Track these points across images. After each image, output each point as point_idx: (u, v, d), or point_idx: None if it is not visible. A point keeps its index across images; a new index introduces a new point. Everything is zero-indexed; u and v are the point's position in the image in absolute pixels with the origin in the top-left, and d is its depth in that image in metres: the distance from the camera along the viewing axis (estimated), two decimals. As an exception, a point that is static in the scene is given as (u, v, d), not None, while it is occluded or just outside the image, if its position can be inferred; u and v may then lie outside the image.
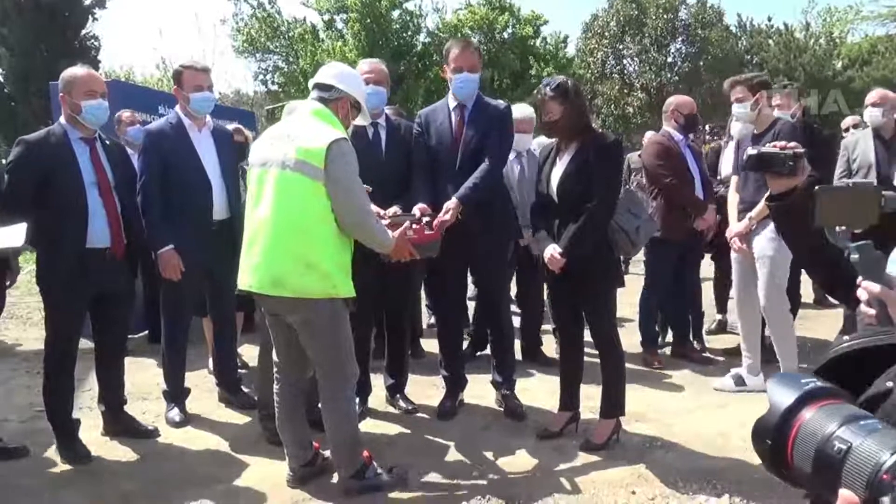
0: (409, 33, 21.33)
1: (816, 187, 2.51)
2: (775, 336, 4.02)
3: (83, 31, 16.71)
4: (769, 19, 27.02)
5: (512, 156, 4.07)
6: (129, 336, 4.84)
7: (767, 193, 2.06)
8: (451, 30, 21.83)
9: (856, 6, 22.50)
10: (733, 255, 4.11)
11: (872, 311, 1.62)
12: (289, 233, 2.62)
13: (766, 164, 2.06)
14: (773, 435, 0.91)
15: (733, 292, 4.26)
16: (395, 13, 20.96)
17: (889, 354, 1.73)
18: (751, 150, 2.08)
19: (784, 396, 0.91)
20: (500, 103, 3.62)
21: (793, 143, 2.05)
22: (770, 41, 25.05)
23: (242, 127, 4.93)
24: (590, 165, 3.15)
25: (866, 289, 1.62)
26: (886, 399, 1.67)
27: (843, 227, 1.74)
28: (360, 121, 3.10)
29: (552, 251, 3.19)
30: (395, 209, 3.33)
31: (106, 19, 31.17)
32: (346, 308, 2.77)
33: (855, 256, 1.61)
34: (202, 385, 4.33)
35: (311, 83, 2.89)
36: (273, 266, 2.64)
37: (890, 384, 1.65)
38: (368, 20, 19.88)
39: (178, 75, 3.78)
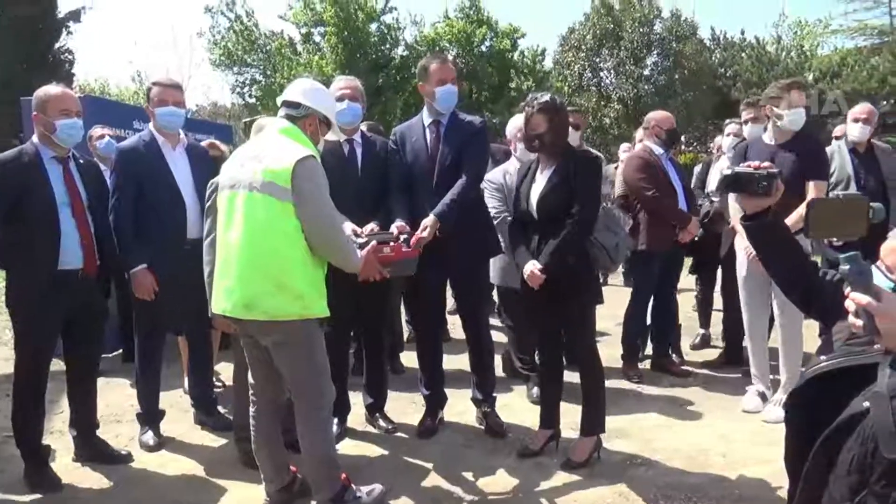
0: (387, 46, 21.36)
1: (809, 199, 2.52)
2: (788, 350, 3.94)
3: (57, 45, 16.51)
4: (742, 33, 27.53)
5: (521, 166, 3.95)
6: (103, 355, 4.76)
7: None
8: (429, 43, 21.92)
9: (825, 20, 23.07)
10: (741, 274, 4.07)
11: (860, 322, 1.63)
12: (260, 255, 2.58)
13: (742, 184, 2.07)
14: None
15: (743, 310, 4.17)
16: (373, 26, 20.99)
17: (864, 373, 1.74)
18: (726, 171, 2.10)
19: None
20: (476, 119, 3.62)
21: (766, 164, 2.06)
22: (743, 54, 25.46)
23: (218, 142, 4.87)
24: (570, 182, 3.16)
25: (854, 300, 1.63)
26: (864, 418, 1.68)
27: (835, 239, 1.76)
28: (331, 136, 3.08)
29: (532, 267, 3.19)
30: (371, 227, 3.31)
31: (81, 31, 30.85)
32: (320, 328, 2.74)
33: (844, 268, 1.61)
34: (177, 405, 4.25)
35: (279, 100, 2.86)
36: (245, 289, 2.60)
37: (867, 404, 1.66)
38: (346, 33, 19.89)
39: (147, 91, 3.78)
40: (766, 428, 3.61)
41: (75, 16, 16.70)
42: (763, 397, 4.06)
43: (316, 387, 2.74)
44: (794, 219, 3.82)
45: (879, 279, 1.67)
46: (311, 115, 2.78)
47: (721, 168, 4.84)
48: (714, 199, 4.75)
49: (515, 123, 4.19)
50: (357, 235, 3.22)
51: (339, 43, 19.94)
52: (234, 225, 2.63)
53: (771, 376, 4.22)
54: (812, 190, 3.78)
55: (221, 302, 2.70)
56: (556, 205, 3.17)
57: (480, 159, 3.58)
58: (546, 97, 3.22)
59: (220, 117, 26.48)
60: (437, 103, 3.53)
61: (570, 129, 3.89)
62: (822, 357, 2.00)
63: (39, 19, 15.45)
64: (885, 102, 17.12)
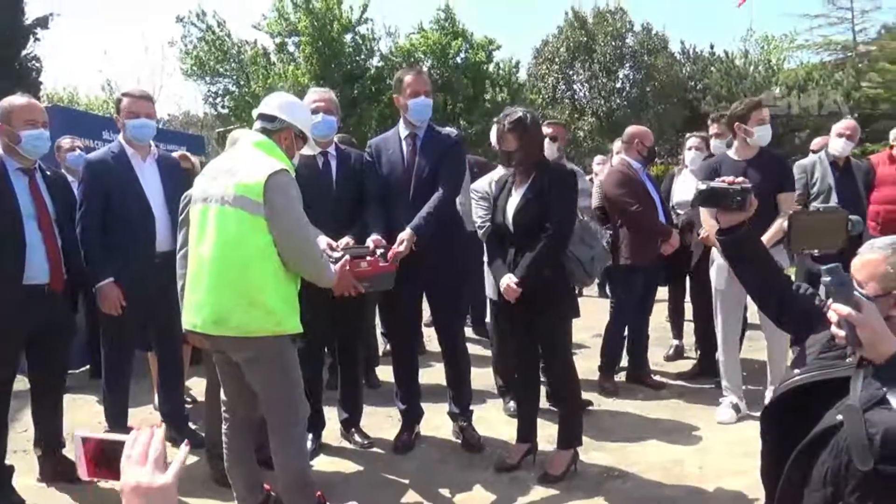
0: (362, 57, 21.31)
1: (790, 212, 2.55)
2: (775, 359, 4.05)
3: (24, 52, 16.17)
4: (711, 47, 28.01)
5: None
6: (70, 371, 4.64)
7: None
8: (405, 54, 21.94)
9: (791, 35, 23.66)
10: (717, 286, 4.11)
11: (842, 333, 1.65)
12: (231, 270, 2.53)
13: (716, 199, 2.10)
14: None
15: (717, 319, 4.21)
16: (348, 37, 20.94)
17: (836, 387, 1.76)
18: (700, 186, 2.12)
19: None
20: (452, 132, 3.62)
21: (740, 179, 2.09)
22: (713, 68, 25.96)
23: (189, 154, 4.80)
24: (545, 195, 3.17)
25: (836, 311, 1.65)
26: (837, 432, 1.69)
27: (815, 251, 1.80)
28: (307, 150, 3.05)
29: (508, 281, 3.18)
30: (347, 241, 3.28)
31: (49, 39, 30.32)
32: (293, 344, 2.69)
33: (826, 279, 1.64)
34: (148, 422, 4.15)
35: (254, 113, 2.83)
36: (216, 304, 2.55)
37: (840, 417, 1.68)
38: (320, 43, 19.81)
39: (117, 103, 3.70)
40: (742, 439, 3.63)
41: (43, 22, 16.35)
42: (737, 409, 4.11)
43: (289, 403, 2.68)
44: (771, 232, 3.89)
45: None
46: (287, 129, 2.74)
47: (685, 181, 4.91)
48: (679, 211, 4.80)
49: None
50: (332, 249, 3.19)
51: (314, 53, 19.84)
52: (205, 239, 2.59)
53: (743, 387, 4.28)
54: (782, 202, 3.89)
55: (192, 317, 2.64)
56: (531, 218, 3.18)
57: (457, 173, 3.57)
58: (517, 114, 3.22)
59: (193, 127, 26.20)
60: (411, 115, 3.52)
61: (548, 140, 3.91)
62: (796, 371, 2.03)
63: (6, 26, 15.11)
64: (848, 116, 17.59)
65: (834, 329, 1.66)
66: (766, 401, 4.01)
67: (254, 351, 2.58)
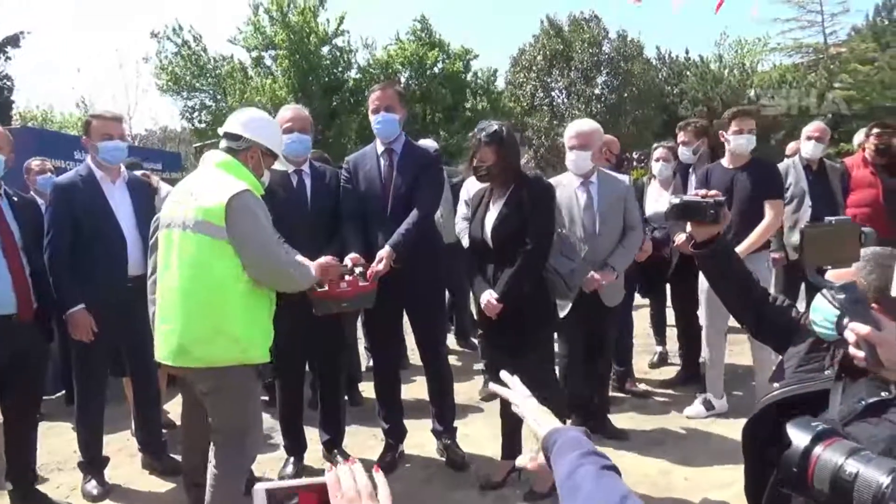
0: (340, 69, 21.32)
1: (803, 226, 2.48)
2: (761, 364, 4.09)
3: (-5, 72, 16.00)
4: (686, 52, 28.39)
5: (576, 182, 3.71)
6: (45, 397, 4.53)
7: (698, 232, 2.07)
8: (382, 65, 21.97)
9: (764, 38, 24.01)
10: (703, 287, 4.14)
11: (861, 354, 1.57)
12: (194, 298, 2.47)
13: (689, 213, 2.07)
14: (797, 464, 1.35)
15: (703, 322, 4.26)
16: (325, 49, 20.93)
17: (817, 400, 1.74)
18: (673, 200, 2.09)
19: (801, 437, 1.37)
20: (430, 147, 3.59)
21: (713, 192, 2.07)
22: (688, 72, 26.27)
23: (151, 174, 4.68)
24: (523, 209, 3.14)
25: (854, 330, 1.56)
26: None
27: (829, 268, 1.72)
28: (278, 166, 3.00)
29: (488, 297, 3.14)
30: (325, 259, 3.21)
31: (21, 56, 29.94)
32: (257, 378, 2.61)
33: (840, 296, 1.57)
34: (125, 449, 4.05)
35: (220, 131, 2.76)
36: (181, 335, 2.49)
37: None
38: (297, 56, 19.77)
39: (86, 125, 3.60)
40: (728, 449, 3.62)
41: (13, 41, 16.22)
42: (708, 405, 4.18)
43: (240, 438, 2.60)
44: (751, 239, 3.91)
45: (824, 306, 1.65)
46: (253, 148, 2.67)
47: (654, 192, 4.92)
48: (654, 224, 4.78)
49: None
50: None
51: (291, 66, 19.80)
52: (170, 266, 2.53)
53: (726, 394, 4.28)
54: (769, 209, 3.96)
55: (161, 348, 2.58)
56: (510, 233, 3.14)
57: (435, 188, 3.53)
58: (493, 127, 3.17)
59: (171, 142, 25.98)
60: (375, 131, 3.49)
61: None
62: (776, 385, 2.00)
63: (-24, 46, 14.96)
64: (822, 117, 17.85)
65: (852, 350, 1.57)
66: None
67: (215, 380, 2.51)
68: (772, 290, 3.04)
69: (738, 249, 3.80)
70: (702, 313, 4.24)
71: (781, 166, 4.68)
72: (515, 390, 1.40)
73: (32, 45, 38.22)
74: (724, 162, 4.18)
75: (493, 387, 1.50)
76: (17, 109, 19.46)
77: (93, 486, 3.49)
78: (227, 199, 2.43)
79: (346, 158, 3.65)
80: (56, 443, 4.21)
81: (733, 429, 3.91)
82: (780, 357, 2.02)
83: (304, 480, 1.03)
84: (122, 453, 3.98)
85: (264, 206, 2.57)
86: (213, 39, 28.99)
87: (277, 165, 2.96)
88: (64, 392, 5.09)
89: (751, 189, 3.99)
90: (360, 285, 3.11)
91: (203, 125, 21.33)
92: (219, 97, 20.96)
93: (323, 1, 20.66)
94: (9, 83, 16.43)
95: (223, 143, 2.69)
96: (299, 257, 3.12)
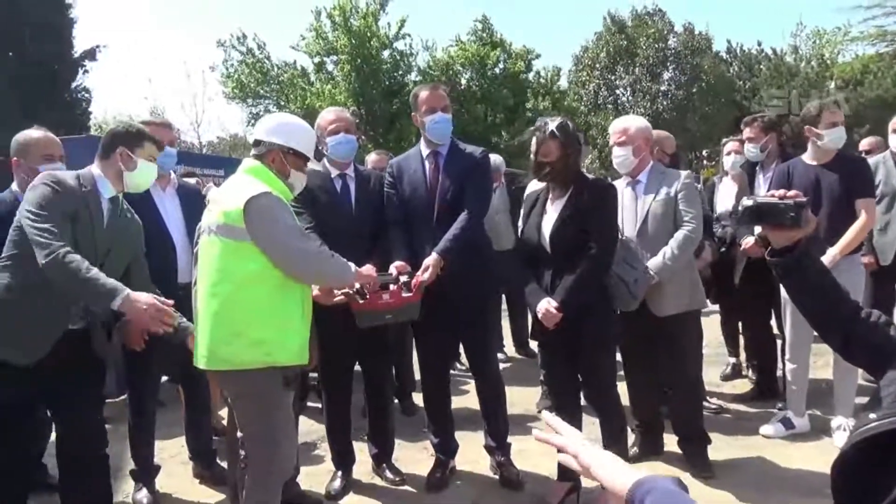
0: (400, 72, 21.41)
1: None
2: (842, 379, 3.82)
3: (74, 84, 16.77)
4: (759, 44, 27.20)
5: (624, 182, 3.51)
6: (108, 401, 4.60)
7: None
8: (443, 67, 21.94)
9: (844, 27, 22.68)
10: (786, 295, 3.82)
11: None
12: (218, 300, 2.47)
13: (764, 216, 1.81)
14: None
15: (787, 332, 3.93)
16: (386, 53, 21.06)
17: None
18: (746, 201, 1.83)
19: None
20: (477, 149, 3.42)
21: (793, 192, 1.80)
22: (761, 66, 25.16)
23: (202, 181, 4.71)
24: (585, 212, 2.92)
25: None
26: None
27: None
28: (315, 166, 2.97)
29: (546, 305, 2.93)
30: (368, 268, 3.08)
31: (97, 69, 31.45)
32: (284, 386, 2.51)
33: None
34: (178, 456, 4.04)
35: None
36: (208, 337, 2.48)
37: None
38: (358, 61, 19.97)
39: None
40: (805, 475, 3.30)
41: (91, 55, 16.99)
42: (787, 424, 3.85)
43: (270, 448, 2.54)
44: (843, 243, 3.56)
45: None
46: (274, 150, 2.64)
47: (727, 190, 4.58)
48: (725, 223, 4.45)
49: None
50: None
51: (352, 71, 20.01)
52: (202, 270, 2.55)
53: (809, 412, 3.93)
54: (861, 209, 3.61)
55: (196, 352, 2.59)
56: (571, 237, 2.93)
57: (484, 192, 3.37)
58: (558, 121, 2.99)
59: (239, 149, 26.72)
60: (429, 133, 3.33)
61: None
62: (872, 416, 1.74)
63: (55, 60, 15.71)
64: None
65: None
66: (834, 430, 3.73)
67: (239, 385, 2.50)
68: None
69: (829, 254, 3.48)
70: (786, 323, 3.90)
71: (871, 162, 4.26)
72: (566, 437, 1.20)
73: (107, 58, 40.24)
74: (807, 158, 3.82)
75: (537, 434, 1.29)
76: (95, 120, 20.43)
77: (143, 494, 3.48)
78: (244, 200, 2.42)
79: (390, 162, 3.53)
80: (116, 447, 4.23)
81: (816, 452, 3.58)
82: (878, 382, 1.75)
83: None
84: (175, 460, 3.97)
85: (287, 207, 2.53)
86: (276, 46, 29.86)
87: (316, 165, 2.88)
88: (127, 395, 5.18)
89: (840, 188, 3.63)
90: (404, 296, 2.98)
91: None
92: (282, 103, 21.41)
93: (384, 5, 20.81)
94: (87, 95, 17.24)
95: (252, 150, 2.70)
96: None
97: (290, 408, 2.58)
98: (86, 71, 16.94)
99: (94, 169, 2.81)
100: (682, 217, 3.35)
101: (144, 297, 2.55)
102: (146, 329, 3.26)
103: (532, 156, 3.02)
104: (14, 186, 3.14)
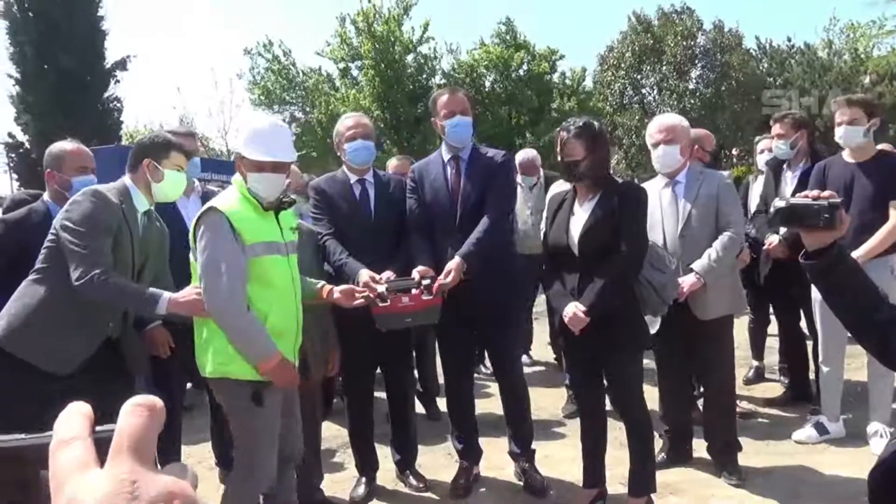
0: (424, 76, 21.42)
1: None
2: (878, 382, 3.71)
3: (105, 94, 17.10)
4: (789, 40, 26.67)
5: (661, 182, 3.47)
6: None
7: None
8: (467, 70, 21.91)
9: (879, 20, 22.06)
10: (817, 296, 3.68)
11: None
12: None
13: (798, 218, 1.75)
14: None
15: (819, 333, 3.82)
16: (410, 57, 21.11)
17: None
18: (778, 202, 1.77)
19: None
20: (499, 153, 3.39)
21: (827, 192, 1.74)
22: (792, 61, 24.65)
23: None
24: (615, 215, 2.87)
25: None
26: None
27: None
28: (341, 176, 3.16)
29: (574, 309, 2.86)
30: (388, 274, 3.06)
31: (127, 79, 32.04)
32: (252, 401, 2.47)
33: None
34: (205, 462, 4.07)
35: None
36: (196, 345, 2.61)
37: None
38: (382, 66, 20.02)
39: None
40: (840, 482, 3.19)
41: (121, 65, 17.30)
42: (821, 429, 3.74)
43: (246, 463, 2.56)
44: (871, 244, 3.44)
45: None
46: (237, 159, 2.69)
47: (761, 188, 4.47)
48: (756, 224, 4.34)
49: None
50: (375, 282, 3.00)
51: (377, 76, 20.07)
52: None
53: (843, 416, 3.81)
54: (893, 211, 3.46)
55: None
56: (600, 240, 2.87)
57: (506, 195, 3.33)
58: (583, 120, 2.95)
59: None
60: (449, 137, 3.31)
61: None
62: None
63: (87, 70, 16.04)
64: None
65: None
66: (870, 436, 3.60)
67: (217, 393, 2.63)
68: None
69: (856, 254, 3.35)
70: (818, 324, 3.78)
71: None
72: None
73: (137, 68, 41.08)
74: (845, 155, 3.70)
75: None
76: (126, 129, 20.80)
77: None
78: (196, 219, 2.50)
79: (412, 167, 3.51)
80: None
81: (851, 458, 3.46)
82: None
83: None
84: (202, 466, 3.99)
85: (226, 226, 2.42)
86: (302, 53, 30.13)
87: (340, 175, 2.86)
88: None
89: (873, 187, 3.50)
90: (424, 300, 2.95)
91: (293, 137, 22.01)
92: (307, 109, 21.58)
93: (408, 9, 20.87)
94: (119, 105, 17.55)
95: None
96: (364, 271, 2.99)
97: (273, 418, 2.53)
98: (117, 81, 17.30)
99: (127, 181, 2.80)
100: (724, 218, 3.31)
101: (186, 291, 2.58)
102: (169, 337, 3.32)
103: (559, 156, 2.96)
104: (46, 197, 3.18)
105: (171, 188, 2.87)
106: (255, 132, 2.59)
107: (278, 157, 2.53)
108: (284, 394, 2.61)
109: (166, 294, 2.57)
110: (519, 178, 5.13)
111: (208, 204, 2.51)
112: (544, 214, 3.73)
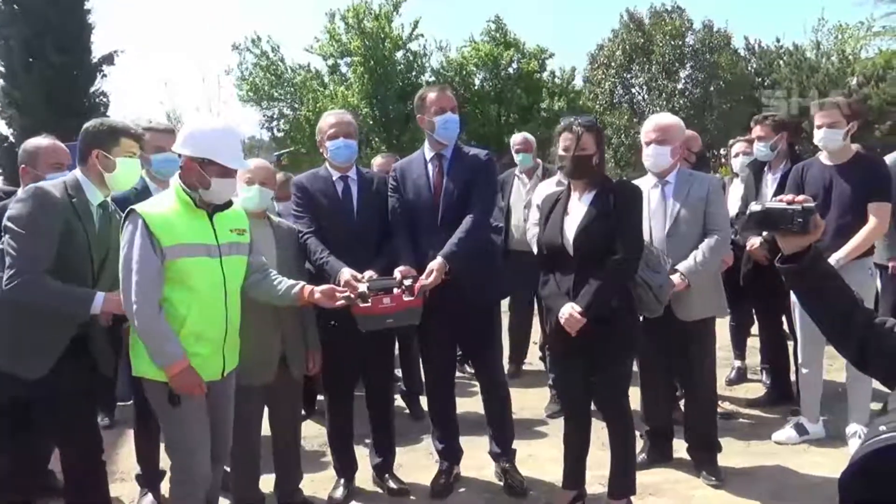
0: (414, 73, 21.41)
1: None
2: (855, 384, 3.72)
3: (92, 89, 16.97)
4: (778, 40, 26.86)
5: (650, 182, 3.43)
6: (120, 404, 4.62)
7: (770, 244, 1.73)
8: (456, 67, 21.91)
9: (867, 22, 22.26)
10: (795, 299, 3.74)
11: None
12: None
13: (773, 222, 1.74)
14: None
15: (799, 335, 3.84)
16: (399, 54, 21.08)
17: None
18: (754, 206, 1.77)
19: None
20: (482, 151, 3.37)
21: (801, 197, 1.73)
22: (780, 62, 24.81)
23: None
24: (612, 214, 2.85)
25: None
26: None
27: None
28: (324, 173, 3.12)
29: (570, 310, 2.82)
30: (370, 274, 3.04)
31: (114, 74, 31.65)
32: (169, 402, 2.44)
33: None
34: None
35: None
36: None
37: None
38: (372, 63, 19.99)
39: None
40: (819, 482, 3.21)
41: (108, 59, 17.15)
42: (800, 430, 3.76)
43: (181, 461, 2.56)
44: (849, 248, 3.44)
45: None
46: (187, 162, 2.55)
47: (736, 192, 4.48)
48: (736, 227, 4.35)
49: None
50: (357, 281, 2.98)
51: (366, 73, 20.03)
52: None
53: (823, 417, 3.83)
54: (872, 213, 3.46)
55: None
56: (596, 240, 2.84)
57: (489, 194, 3.32)
58: (586, 117, 2.98)
59: (255, 149, 26.84)
60: (438, 133, 3.28)
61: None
62: (882, 427, 1.66)
63: (74, 65, 15.91)
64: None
65: None
66: (849, 437, 3.62)
67: (145, 392, 2.60)
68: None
69: (835, 258, 3.35)
70: (797, 326, 3.80)
71: (890, 161, 4.08)
72: None
73: (124, 62, 40.70)
74: (823, 158, 3.69)
75: None
76: (112, 124, 20.59)
77: (148, 500, 3.46)
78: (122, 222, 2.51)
79: (393, 166, 3.49)
80: (124, 451, 4.25)
81: (829, 459, 3.48)
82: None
83: None
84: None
85: (142, 229, 2.40)
86: (290, 49, 29.73)
87: (323, 172, 2.84)
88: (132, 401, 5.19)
89: (851, 190, 3.48)
90: (405, 300, 2.93)
91: (281, 134, 21.95)
92: (296, 106, 21.50)
93: (398, 6, 20.83)
94: (105, 100, 17.42)
95: None
96: (345, 270, 2.97)
97: (196, 420, 2.51)
98: (104, 76, 17.17)
99: (79, 174, 2.71)
100: (711, 221, 3.31)
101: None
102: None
103: (564, 152, 2.91)
104: (21, 194, 3.13)
105: (125, 176, 2.77)
106: (213, 135, 2.58)
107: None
108: (211, 395, 2.56)
109: (101, 293, 2.53)
110: (517, 158, 5.15)
111: (139, 206, 2.48)
112: (531, 212, 3.72)
